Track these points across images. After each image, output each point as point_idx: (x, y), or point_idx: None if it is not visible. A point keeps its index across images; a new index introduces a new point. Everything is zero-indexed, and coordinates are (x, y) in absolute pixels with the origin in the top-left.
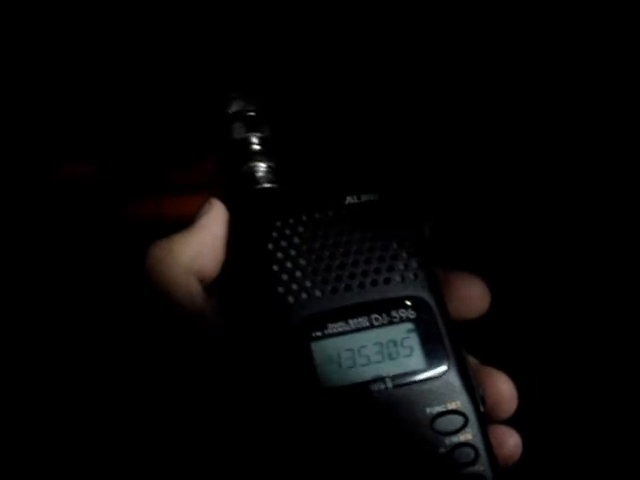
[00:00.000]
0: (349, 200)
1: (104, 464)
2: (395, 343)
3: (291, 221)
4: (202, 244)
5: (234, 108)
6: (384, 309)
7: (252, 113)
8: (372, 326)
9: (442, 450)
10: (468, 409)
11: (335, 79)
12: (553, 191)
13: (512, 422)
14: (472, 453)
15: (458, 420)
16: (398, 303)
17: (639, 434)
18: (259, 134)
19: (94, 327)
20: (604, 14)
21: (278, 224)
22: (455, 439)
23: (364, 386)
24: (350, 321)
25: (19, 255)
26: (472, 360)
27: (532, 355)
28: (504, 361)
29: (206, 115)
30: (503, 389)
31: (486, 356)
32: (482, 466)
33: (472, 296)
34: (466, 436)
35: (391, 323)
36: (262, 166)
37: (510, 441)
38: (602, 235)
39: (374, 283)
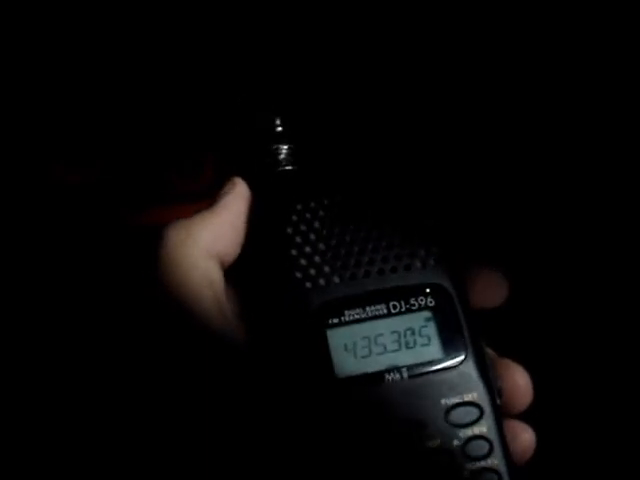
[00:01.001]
0: (371, 184)
1: (104, 464)
2: (413, 332)
3: (312, 205)
4: (223, 226)
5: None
6: (403, 296)
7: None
8: (390, 314)
9: (456, 442)
10: (484, 401)
11: (352, 67)
12: (573, 183)
13: (527, 418)
14: (486, 446)
15: (474, 412)
16: (417, 290)
17: None
18: (281, 117)
19: (96, 327)
20: (604, 14)
21: (298, 207)
22: (470, 432)
23: (379, 376)
24: (368, 308)
25: (19, 257)
26: (489, 352)
27: (549, 349)
28: (521, 354)
29: (225, 102)
30: (519, 381)
31: (503, 349)
32: (496, 460)
33: (490, 285)
34: (481, 429)
35: (409, 311)
36: (284, 148)
37: (524, 436)
38: (620, 228)
39: (394, 270)
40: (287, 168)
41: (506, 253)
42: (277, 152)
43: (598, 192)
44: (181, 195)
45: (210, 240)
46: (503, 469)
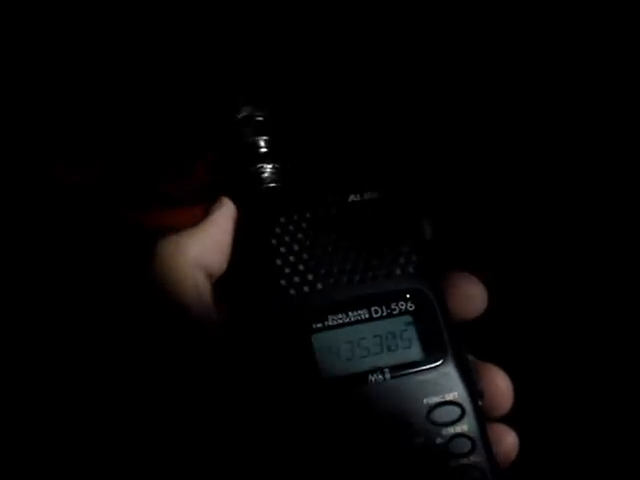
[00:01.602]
0: (352, 198)
1: (105, 464)
2: (394, 335)
3: (295, 217)
4: (211, 240)
5: (243, 113)
6: (384, 302)
7: (260, 118)
8: (372, 318)
9: (439, 440)
10: (465, 401)
11: (336, 81)
12: (551, 191)
13: (510, 421)
14: (469, 444)
15: (455, 411)
16: (398, 296)
17: (638, 433)
18: (266, 137)
19: (93, 327)
20: (604, 14)
21: (282, 220)
22: (452, 430)
23: (362, 376)
24: (350, 313)
25: (19, 257)
26: (469, 357)
27: (528, 355)
28: (501, 359)
29: (214, 119)
30: (499, 384)
31: (484, 354)
32: (479, 457)
33: (470, 296)
34: (463, 427)
35: (390, 315)
36: (268, 167)
37: (507, 439)
38: (599, 234)
39: (375, 277)
40: (271, 185)
41: (486, 259)
42: (261, 170)
43: (578, 204)
44: (174, 197)
45: (198, 253)
46: (486, 465)
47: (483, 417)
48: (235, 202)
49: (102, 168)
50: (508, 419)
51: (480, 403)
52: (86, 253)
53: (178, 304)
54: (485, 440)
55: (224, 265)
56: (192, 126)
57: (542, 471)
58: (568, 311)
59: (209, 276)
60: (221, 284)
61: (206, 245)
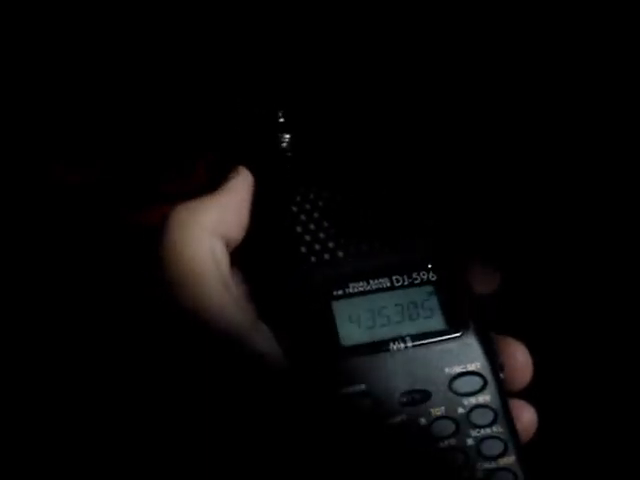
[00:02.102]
0: (372, 166)
1: (105, 464)
2: (415, 305)
3: (315, 186)
4: (227, 208)
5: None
6: (406, 271)
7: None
8: (393, 287)
9: (460, 410)
10: (487, 372)
11: (354, 60)
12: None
13: (529, 397)
14: (491, 415)
15: (477, 381)
16: (420, 265)
17: None
18: (284, 108)
19: (97, 325)
20: (604, 14)
21: (302, 188)
22: (474, 400)
23: (383, 344)
24: (371, 281)
25: (19, 257)
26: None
27: (549, 329)
28: (521, 334)
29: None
30: (519, 357)
31: (503, 329)
32: (501, 427)
33: (482, 276)
34: (485, 397)
35: (412, 285)
36: (286, 137)
37: (526, 415)
38: (619, 213)
39: (397, 244)
40: (288, 155)
41: (504, 233)
42: (280, 140)
43: (595, 185)
44: (175, 196)
45: (214, 221)
46: (508, 437)
47: (504, 389)
48: (252, 171)
49: (102, 168)
50: (527, 395)
51: (502, 375)
52: (86, 252)
53: (195, 272)
54: (507, 411)
55: (241, 234)
56: (192, 126)
57: (560, 448)
58: (587, 286)
59: (227, 245)
60: (239, 255)
61: (223, 213)
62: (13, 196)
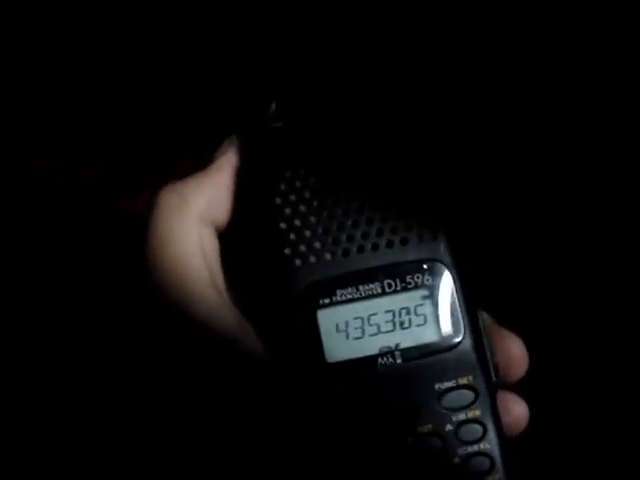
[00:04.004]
0: (366, 152)
1: (105, 464)
2: (408, 311)
3: (302, 172)
4: (217, 190)
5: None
6: (398, 274)
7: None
8: (384, 292)
9: (448, 427)
10: (479, 383)
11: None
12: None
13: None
14: (480, 430)
15: (468, 395)
16: (414, 267)
17: None
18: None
19: (93, 322)
20: (604, 14)
21: (287, 174)
22: (463, 415)
23: (372, 360)
24: (361, 287)
25: (17, 257)
26: (486, 318)
27: (543, 318)
28: (516, 323)
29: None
30: (514, 351)
31: (497, 317)
32: (489, 444)
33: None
34: (475, 412)
35: (405, 289)
36: (273, 105)
37: (516, 409)
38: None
39: (389, 244)
40: (278, 125)
41: (504, 223)
42: (266, 108)
43: (594, 181)
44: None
45: (204, 206)
46: (496, 452)
47: (496, 397)
48: (242, 144)
49: (87, 166)
50: (519, 388)
51: (494, 379)
52: (82, 249)
53: (181, 268)
54: (497, 424)
55: (229, 217)
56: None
57: (552, 443)
58: (585, 278)
59: (216, 229)
60: (229, 239)
61: (212, 196)
62: (11, 195)
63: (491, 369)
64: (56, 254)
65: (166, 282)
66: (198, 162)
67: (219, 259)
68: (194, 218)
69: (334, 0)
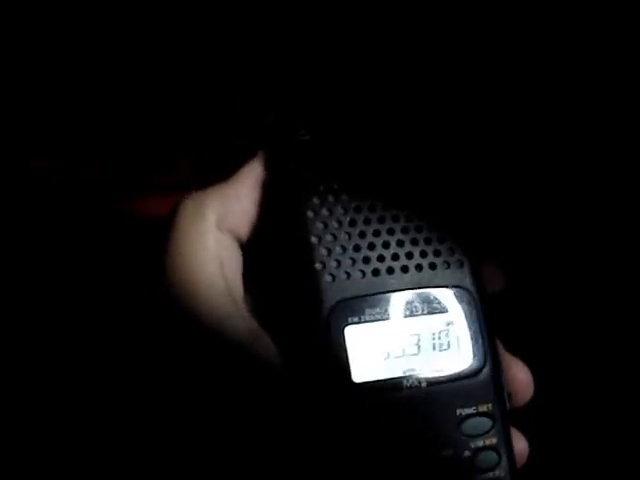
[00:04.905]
0: (400, 170)
1: (104, 463)
2: (433, 335)
3: (335, 187)
4: (237, 199)
5: None
6: (426, 298)
7: None
8: (411, 315)
9: (467, 453)
10: (497, 411)
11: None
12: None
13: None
14: (495, 458)
15: (486, 423)
16: (441, 292)
17: None
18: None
19: (92, 321)
20: (604, 14)
21: (320, 188)
22: (480, 442)
23: (397, 383)
24: (389, 308)
25: (17, 257)
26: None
27: (547, 346)
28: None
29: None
30: (520, 377)
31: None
32: (503, 471)
33: (491, 274)
34: (492, 440)
35: (431, 314)
36: (303, 115)
37: (518, 445)
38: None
39: (418, 268)
40: (306, 138)
41: (507, 243)
42: (294, 119)
43: (601, 188)
44: (160, 187)
45: (223, 215)
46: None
47: (509, 426)
48: (267, 156)
49: (84, 165)
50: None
51: (507, 407)
52: (85, 248)
53: (197, 283)
54: (510, 452)
55: (251, 228)
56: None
57: (552, 474)
58: (587, 298)
59: (237, 239)
60: (252, 249)
61: (231, 204)
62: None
63: (505, 397)
64: (56, 254)
65: (180, 288)
66: (222, 173)
67: (239, 268)
68: (211, 226)
69: (358, 15)
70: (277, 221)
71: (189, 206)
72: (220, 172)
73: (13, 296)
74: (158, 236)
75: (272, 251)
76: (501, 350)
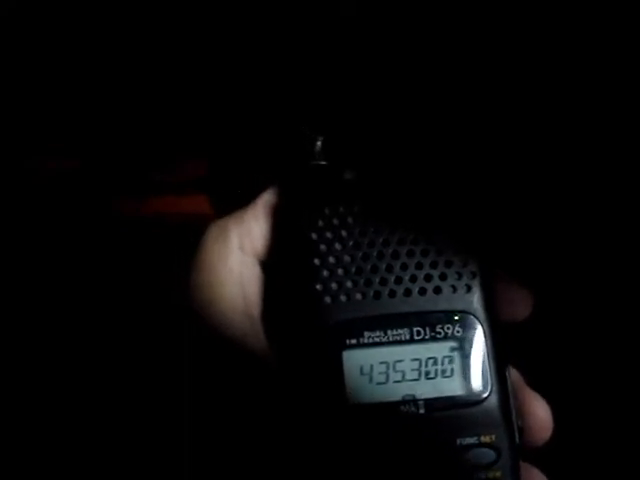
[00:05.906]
0: (404, 197)
1: (104, 463)
2: (435, 361)
3: (340, 210)
4: (256, 221)
5: None
6: (429, 322)
7: None
8: (412, 340)
9: None
10: (502, 443)
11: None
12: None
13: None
14: None
15: (490, 455)
16: (445, 317)
17: None
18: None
19: (92, 321)
20: (604, 14)
21: (326, 211)
22: (483, 475)
23: (394, 407)
24: (389, 332)
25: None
26: (515, 375)
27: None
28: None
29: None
30: (539, 414)
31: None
32: None
33: (515, 301)
34: (495, 474)
35: (434, 339)
36: (319, 140)
37: None
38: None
39: (422, 292)
40: (322, 163)
41: (528, 271)
42: (312, 144)
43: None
44: (162, 186)
45: (245, 237)
46: None
47: (519, 461)
48: (282, 182)
49: (83, 163)
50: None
51: (518, 441)
52: (85, 248)
53: (219, 302)
54: None
55: (268, 248)
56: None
57: None
58: (607, 324)
59: (258, 259)
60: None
61: (250, 227)
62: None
63: (515, 430)
64: (56, 254)
65: (201, 302)
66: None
67: (259, 287)
68: (234, 248)
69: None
70: (286, 242)
71: (214, 230)
72: (241, 202)
73: (13, 296)
74: (187, 256)
75: (282, 271)
76: (519, 383)
